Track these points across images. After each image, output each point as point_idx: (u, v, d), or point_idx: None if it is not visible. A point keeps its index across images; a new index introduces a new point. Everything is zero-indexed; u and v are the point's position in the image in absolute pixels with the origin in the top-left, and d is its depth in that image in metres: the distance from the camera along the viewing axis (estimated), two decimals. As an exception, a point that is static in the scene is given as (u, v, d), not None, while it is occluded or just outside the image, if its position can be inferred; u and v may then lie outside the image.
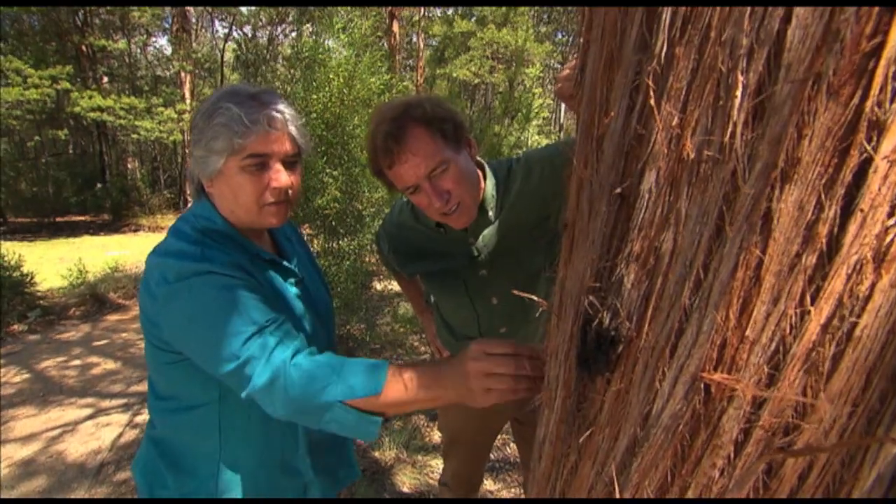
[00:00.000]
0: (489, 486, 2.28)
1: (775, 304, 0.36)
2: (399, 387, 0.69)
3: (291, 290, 0.92)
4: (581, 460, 0.50)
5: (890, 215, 0.32)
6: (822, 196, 0.33)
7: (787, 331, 0.36)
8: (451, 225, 1.05)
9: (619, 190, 0.42)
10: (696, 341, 0.38)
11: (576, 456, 0.50)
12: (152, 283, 0.77)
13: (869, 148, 0.32)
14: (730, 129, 0.35)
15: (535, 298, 0.56)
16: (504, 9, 13.50)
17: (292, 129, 0.82)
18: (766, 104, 0.34)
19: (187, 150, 12.91)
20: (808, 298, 0.35)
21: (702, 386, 0.39)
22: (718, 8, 0.34)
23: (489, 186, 1.09)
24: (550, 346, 0.56)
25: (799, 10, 0.31)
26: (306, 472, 0.95)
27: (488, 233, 1.11)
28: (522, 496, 2.21)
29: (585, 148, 0.47)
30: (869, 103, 0.31)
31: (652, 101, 0.38)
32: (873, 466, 0.37)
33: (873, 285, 0.33)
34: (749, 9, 0.33)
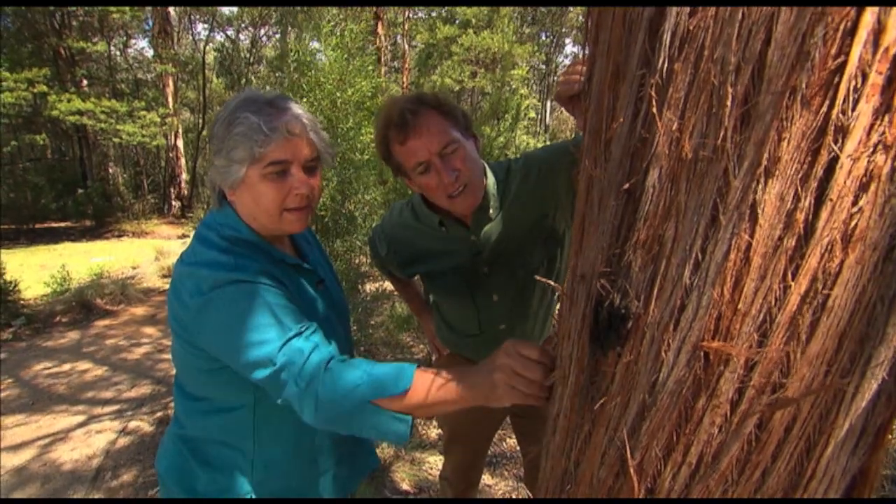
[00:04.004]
0: (486, 479, 2.34)
1: (762, 281, 0.42)
2: (426, 385, 0.71)
3: (314, 293, 0.94)
4: (594, 429, 0.56)
5: (854, 203, 0.39)
6: (799, 188, 0.40)
7: (773, 303, 0.42)
8: (456, 209, 1.09)
9: (626, 186, 0.48)
10: (697, 315, 0.45)
11: (589, 425, 0.56)
12: (185, 292, 0.78)
13: (836, 148, 0.38)
14: (722, 133, 0.41)
15: (552, 283, 0.62)
16: (487, 11, 13.57)
17: (311, 133, 0.84)
18: (752, 112, 0.40)
19: (171, 154, 12.77)
20: (789, 275, 0.41)
21: (702, 354, 0.45)
22: (710, 30, 0.41)
23: (490, 185, 1.14)
24: (562, 328, 0.62)
25: (777, 34, 0.38)
26: (331, 463, 0.97)
27: (490, 230, 1.16)
28: (520, 488, 2.27)
29: (594, 150, 0.53)
30: (835, 111, 0.38)
31: (654, 110, 0.45)
32: (846, 418, 0.43)
33: (842, 262, 0.40)
34: (736, 32, 0.40)
